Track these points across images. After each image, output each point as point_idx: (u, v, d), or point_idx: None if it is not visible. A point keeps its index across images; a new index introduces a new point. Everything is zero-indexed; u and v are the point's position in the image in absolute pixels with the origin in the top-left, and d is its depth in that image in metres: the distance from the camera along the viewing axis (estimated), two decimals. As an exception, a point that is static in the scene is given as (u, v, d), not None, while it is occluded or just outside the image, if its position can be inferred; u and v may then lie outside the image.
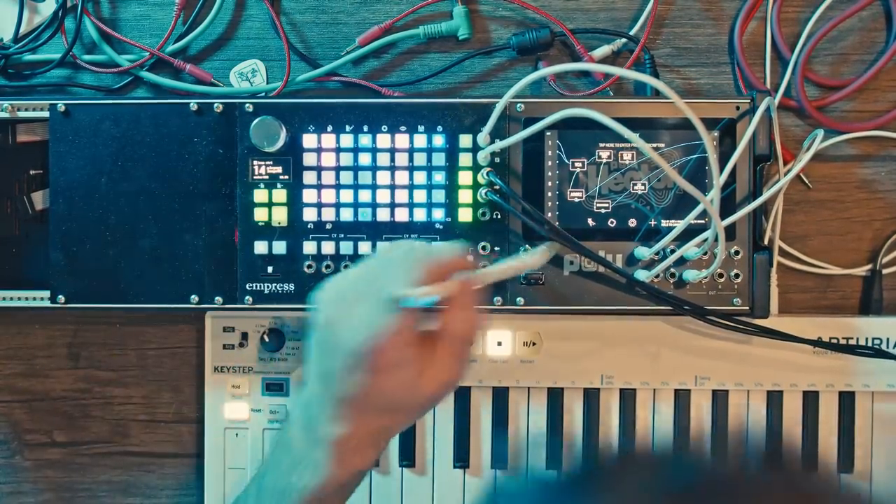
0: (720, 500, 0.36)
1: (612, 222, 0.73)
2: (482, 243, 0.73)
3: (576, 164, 0.73)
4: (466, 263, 0.60)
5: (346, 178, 0.73)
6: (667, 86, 0.58)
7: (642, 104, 0.73)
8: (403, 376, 0.57)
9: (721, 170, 0.70)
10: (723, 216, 0.70)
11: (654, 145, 0.73)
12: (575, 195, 0.73)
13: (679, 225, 0.69)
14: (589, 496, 0.39)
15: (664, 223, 0.73)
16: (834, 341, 0.77)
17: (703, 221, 0.72)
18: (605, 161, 0.73)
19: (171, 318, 0.82)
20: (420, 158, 0.73)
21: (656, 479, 0.38)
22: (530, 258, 0.69)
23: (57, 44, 0.80)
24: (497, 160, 0.73)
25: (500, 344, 0.78)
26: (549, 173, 0.73)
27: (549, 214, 0.73)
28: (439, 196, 0.73)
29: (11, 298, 0.74)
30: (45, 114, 0.73)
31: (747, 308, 0.73)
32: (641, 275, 0.72)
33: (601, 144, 0.73)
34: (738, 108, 0.72)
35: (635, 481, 0.38)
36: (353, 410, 0.58)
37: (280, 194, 0.73)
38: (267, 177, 0.73)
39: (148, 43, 0.80)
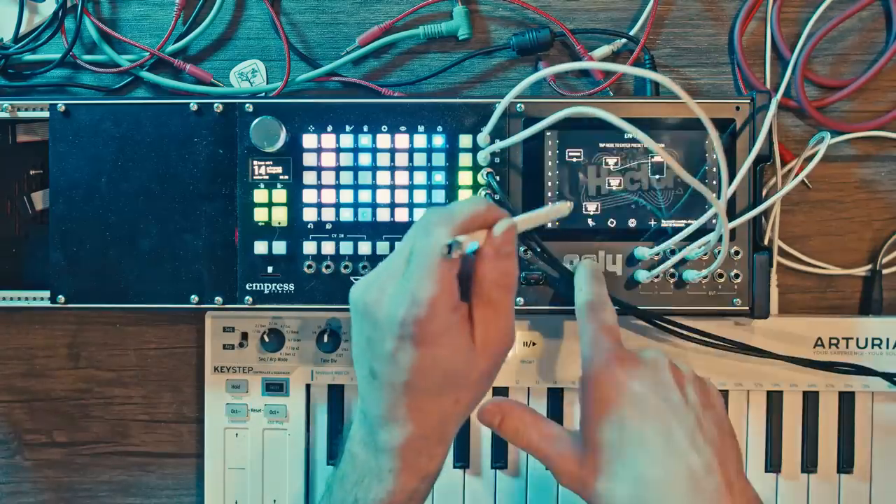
0: None
1: (612, 222, 0.73)
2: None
3: (576, 165, 0.73)
4: (499, 213, 0.56)
5: (346, 178, 0.73)
6: (674, 83, 0.57)
7: (642, 104, 0.73)
8: (455, 343, 0.53)
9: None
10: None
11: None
12: (575, 195, 0.73)
13: (691, 225, 0.68)
14: None
15: (664, 223, 0.73)
16: (833, 342, 0.77)
17: (703, 221, 0.72)
18: (604, 161, 0.73)
19: (171, 318, 0.82)
20: (420, 158, 0.73)
21: None
22: (555, 209, 0.65)
23: (57, 44, 0.80)
24: (497, 160, 0.73)
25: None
26: (550, 173, 0.73)
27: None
28: (439, 196, 0.73)
29: (11, 298, 0.74)
30: (45, 114, 0.73)
31: (747, 308, 0.73)
32: (642, 275, 0.72)
33: (601, 145, 0.73)
34: (738, 108, 0.72)
35: None
36: (409, 401, 0.54)
37: (280, 194, 0.73)
38: (267, 177, 0.73)
39: (148, 43, 0.80)
